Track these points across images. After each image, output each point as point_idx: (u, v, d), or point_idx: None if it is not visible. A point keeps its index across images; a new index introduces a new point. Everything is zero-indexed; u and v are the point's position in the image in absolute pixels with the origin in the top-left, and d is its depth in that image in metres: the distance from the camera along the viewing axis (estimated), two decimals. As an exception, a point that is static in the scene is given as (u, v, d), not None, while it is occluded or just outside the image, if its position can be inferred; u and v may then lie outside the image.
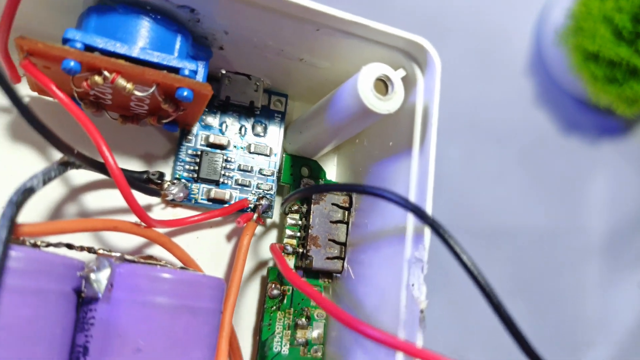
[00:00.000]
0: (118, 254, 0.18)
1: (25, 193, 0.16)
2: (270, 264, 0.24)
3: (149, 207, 0.23)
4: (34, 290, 0.16)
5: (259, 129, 0.24)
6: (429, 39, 0.20)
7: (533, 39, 0.36)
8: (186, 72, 0.19)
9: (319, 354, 0.23)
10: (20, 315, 0.16)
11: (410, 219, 0.19)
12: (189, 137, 0.23)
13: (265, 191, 0.24)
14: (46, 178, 0.17)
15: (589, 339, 0.34)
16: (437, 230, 0.17)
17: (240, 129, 0.24)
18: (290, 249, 0.23)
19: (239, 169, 0.24)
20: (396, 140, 0.21)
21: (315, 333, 0.23)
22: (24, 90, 0.22)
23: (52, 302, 0.17)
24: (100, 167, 0.20)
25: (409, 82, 0.20)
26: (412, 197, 0.19)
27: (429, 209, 0.18)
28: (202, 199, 0.23)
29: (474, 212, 0.33)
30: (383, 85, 0.19)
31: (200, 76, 0.20)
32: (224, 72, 0.23)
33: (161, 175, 0.23)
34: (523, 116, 0.35)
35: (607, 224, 0.36)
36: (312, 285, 0.19)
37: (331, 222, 0.23)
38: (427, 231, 0.18)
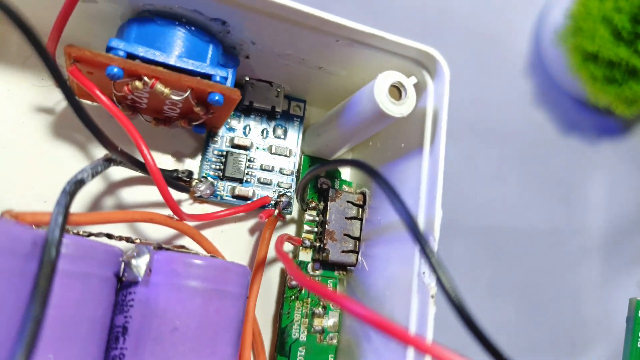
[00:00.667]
0: (155, 243, 0.20)
1: (76, 184, 0.17)
2: (290, 256, 0.26)
3: (178, 203, 0.25)
4: (80, 274, 0.18)
5: (279, 131, 0.26)
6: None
7: (532, 39, 0.36)
8: (217, 79, 0.21)
9: (334, 341, 0.25)
10: (68, 297, 0.18)
11: (422, 214, 0.21)
12: (215, 139, 0.25)
13: (286, 189, 0.26)
14: (94, 172, 0.19)
15: (588, 339, 0.35)
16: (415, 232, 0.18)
17: (262, 132, 0.26)
18: (308, 242, 0.25)
19: (261, 169, 0.26)
20: (408, 142, 0.23)
21: (330, 322, 0.25)
22: (66, 94, 0.24)
23: (95, 286, 0.19)
24: (139, 165, 0.21)
25: (419, 88, 0.22)
26: (423, 194, 0.21)
27: (438, 205, 0.20)
28: (227, 196, 0.25)
29: (473, 211, 0.33)
30: (397, 91, 0.21)
31: (229, 82, 0.22)
32: (247, 79, 0.25)
33: (190, 173, 0.24)
34: (522, 116, 0.36)
35: (606, 224, 0.37)
36: (302, 271, 0.18)
37: (346, 218, 0.25)
38: (438, 223, 0.20)
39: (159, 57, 0.20)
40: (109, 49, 0.20)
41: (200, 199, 0.25)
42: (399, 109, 0.21)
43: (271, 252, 0.25)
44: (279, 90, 0.26)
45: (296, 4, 0.20)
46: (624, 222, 0.37)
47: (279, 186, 0.26)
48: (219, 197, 0.25)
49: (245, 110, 0.26)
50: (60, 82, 0.17)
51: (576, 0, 0.33)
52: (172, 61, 0.20)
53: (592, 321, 0.35)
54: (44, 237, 0.16)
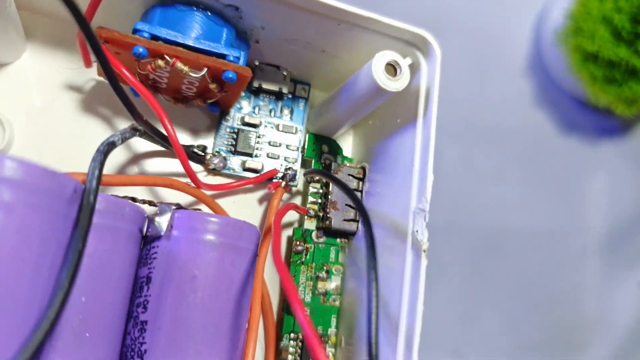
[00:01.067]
0: (175, 204, 0.22)
1: (109, 145, 0.20)
2: (296, 225, 0.28)
3: (193, 175, 0.27)
4: (111, 227, 0.20)
5: (286, 111, 0.29)
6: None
7: (532, 39, 0.37)
8: (231, 58, 0.23)
9: (337, 302, 0.27)
10: (100, 248, 0.20)
11: (415, 177, 0.23)
12: (228, 117, 0.28)
13: (292, 163, 0.28)
14: (123, 137, 0.21)
15: (588, 339, 0.35)
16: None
17: (270, 112, 0.28)
18: (312, 212, 0.27)
19: (270, 144, 0.28)
20: (403, 117, 0.25)
21: (333, 285, 0.27)
22: (92, 74, 0.26)
23: (123, 239, 0.21)
24: (161, 136, 0.24)
25: (413, 68, 0.24)
26: (417, 159, 0.23)
27: (430, 169, 0.22)
28: (238, 169, 0.27)
29: (473, 212, 0.33)
30: (393, 69, 0.23)
31: (241, 62, 0.24)
32: (257, 63, 0.28)
33: (204, 148, 0.27)
34: (522, 116, 0.36)
35: (606, 224, 0.37)
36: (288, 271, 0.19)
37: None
38: (430, 185, 0.22)
39: (179, 38, 0.23)
40: (135, 31, 0.23)
41: (213, 172, 0.27)
42: (394, 85, 0.23)
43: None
44: (285, 73, 0.28)
45: (302, -10, 0.22)
46: (624, 222, 0.37)
47: (286, 160, 0.28)
48: (231, 170, 0.27)
49: (255, 91, 0.28)
50: (101, 56, 0.19)
51: (576, 0, 0.33)
52: (190, 42, 0.23)
53: (592, 321, 0.35)
54: (82, 187, 0.18)
